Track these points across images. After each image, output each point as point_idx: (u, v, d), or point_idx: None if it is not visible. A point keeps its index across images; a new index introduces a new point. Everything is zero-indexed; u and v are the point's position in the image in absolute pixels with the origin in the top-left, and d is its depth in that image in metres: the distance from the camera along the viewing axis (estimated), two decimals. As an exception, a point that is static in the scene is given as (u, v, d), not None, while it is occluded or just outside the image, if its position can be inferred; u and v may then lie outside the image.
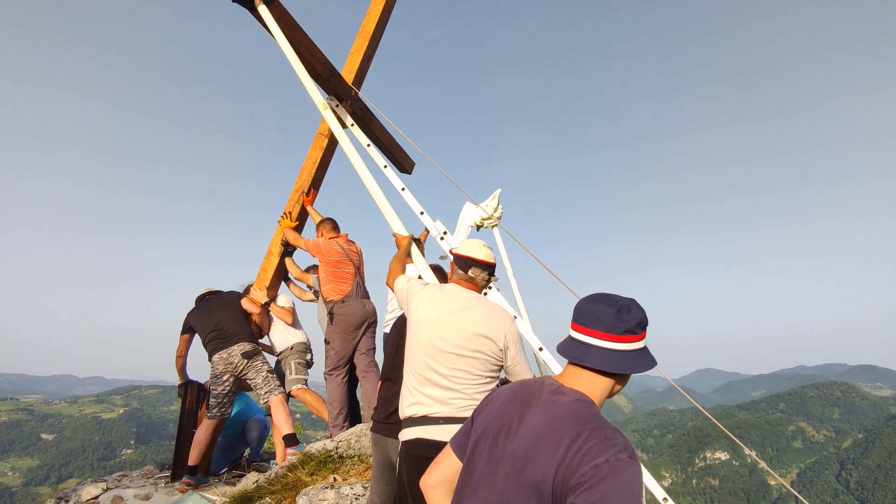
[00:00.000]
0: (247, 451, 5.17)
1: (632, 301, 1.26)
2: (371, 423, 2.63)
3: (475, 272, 2.31)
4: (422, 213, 3.93)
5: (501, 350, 2.12)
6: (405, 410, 2.14)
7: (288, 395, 4.61)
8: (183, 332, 4.63)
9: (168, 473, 4.65)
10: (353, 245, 4.71)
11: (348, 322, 4.33)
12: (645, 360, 1.25)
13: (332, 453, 3.57)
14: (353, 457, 3.53)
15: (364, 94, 5.04)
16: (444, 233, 3.78)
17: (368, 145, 4.45)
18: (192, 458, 4.27)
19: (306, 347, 4.87)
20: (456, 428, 1.62)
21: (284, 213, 4.81)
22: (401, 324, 2.62)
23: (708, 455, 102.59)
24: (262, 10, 4.05)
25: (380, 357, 4.55)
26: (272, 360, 4.90)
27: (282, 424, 4.27)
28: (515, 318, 3.33)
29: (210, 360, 4.35)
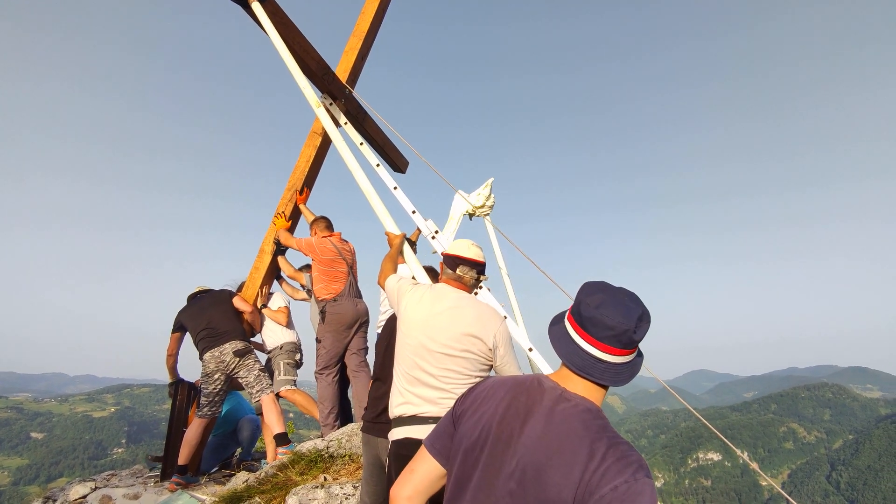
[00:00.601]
0: (238, 451, 5.14)
1: (644, 309, 1.18)
2: (361, 423, 2.62)
3: (463, 271, 2.30)
4: (414, 211, 3.92)
5: (491, 350, 2.12)
6: (395, 410, 2.13)
7: (277, 396, 4.58)
8: (174, 331, 4.60)
9: (157, 471, 4.62)
10: (346, 244, 4.69)
11: (340, 321, 4.31)
12: (639, 365, 1.22)
13: (322, 453, 3.55)
14: (344, 456, 3.51)
15: (358, 93, 5.03)
16: (436, 231, 3.78)
17: (361, 144, 4.43)
18: (182, 458, 4.23)
19: (296, 347, 4.84)
20: None
21: (278, 213, 4.78)
22: (391, 324, 2.62)
23: (700, 456, 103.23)
24: (256, 7, 4.03)
25: (370, 357, 4.54)
26: (263, 357, 4.88)
27: (273, 424, 4.24)
28: (505, 317, 3.32)
29: (201, 358, 4.32)
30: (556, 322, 1.30)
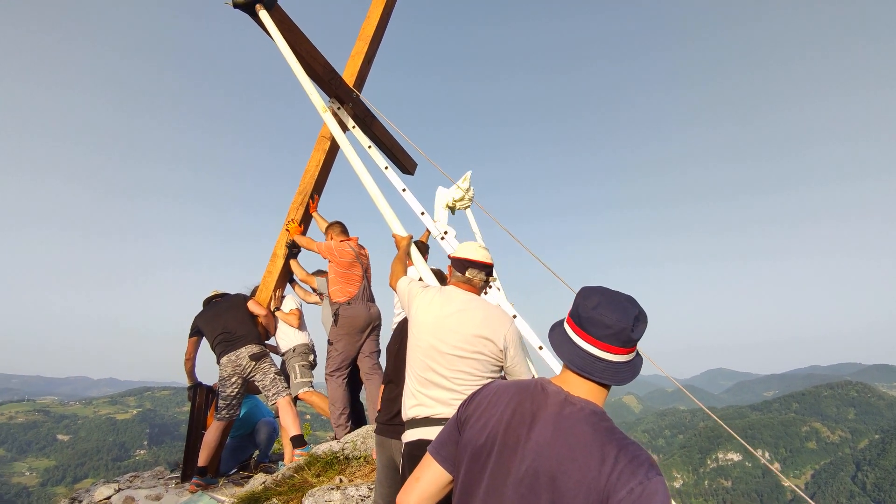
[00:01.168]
0: (256, 453, 5.22)
1: (640, 310, 1.21)
2: (375, 425, 2.66)
3: (472, 273, 2.33)
4: (422, 213, 3.95)
5: (501, 351, 2.14)
6: (408, 412, 2.16)
7: (295, 399, 4.65)
8: (191, 335, 4.68)
9: (178, 473, 4.71)
10: (363, 249, 4.77)
11: (353, 324, 4.36)
12: (640, 365, 1.24)
13: (338, 455, 3.59)
14: (359, 458, 3.55)
15: (365, 97, 5.08)
16: (445, 232, 3.80)
17: (370, 147, 4.48)
18: (202, 459, 4.32)
19: (309, 349, 4.91)
20: None
21: (291, 219, 4.85)
22: (402, 327, 2.65)
23: (720, 456, 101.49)
24: (263, 14, 4.08)
25: (381, 360, 4.58)
26: (279, 360, 4.95)
27: (289, 426, 4.31)
28: (515, 317, 3.32)
29: (218, 362, 4.40)
30: (556, 327, 1.32)
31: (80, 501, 4.38)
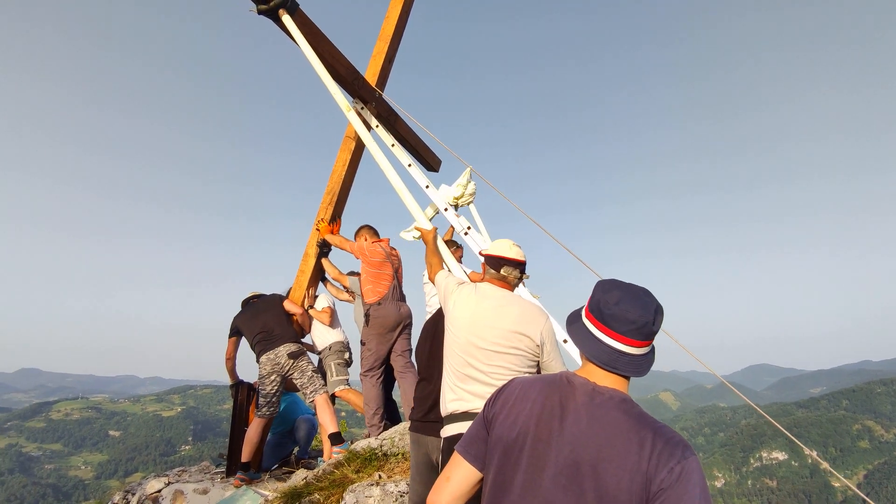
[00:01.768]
0: (296, 449, 5.35)
1: (658, 302, 1.25)
2: (409, 423, 2.68)
3: (507, 271, 2.37)
4: (446, 209, 3.97)
5: (538, 346, 2.19)
6: (447, 406, 2.20)
7: (333, 397, 4.74)
8: (231, 335, 4.82)
9: (223, 468, 4.88)
10: (394, 250, 4.82)
11: (383, 324, 4.40)
12: (654, 356, 1.28)
13: (376, 451, 3.64)
14: (397, 454, 3.59)
15: (388, 95, 5.14)
16: (469, 227, 3.81)
17: (393, 145, 4.52)
18: (245, 455, 4.45)
19: (344, 346, 5.00)
20: None
21: (320, 219, 4.94)
22: (432, 326, 2.70)
23: (764, 455, 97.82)
24: (286, 19, 4.16)
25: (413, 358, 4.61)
26: (315, 358, 5.06)
27: (326, 423, 4.39)
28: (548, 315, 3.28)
29: (258, 360, 4.53)
30: (574, 321, 1.34)
31: (133, 494, 4.59)
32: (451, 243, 5.01)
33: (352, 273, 5.09)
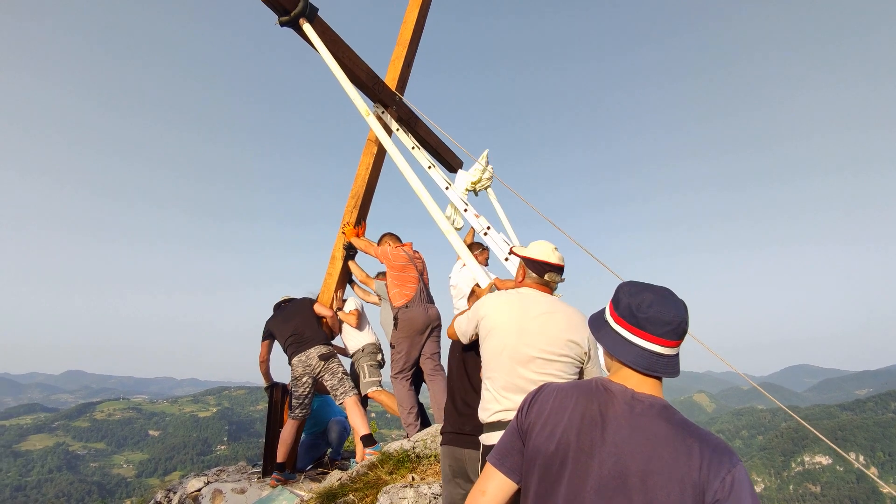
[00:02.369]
0: (329, 450, 5.46)
1: (683, 301, 1.25)
2: (441, 437, 2.61)
3: (551, 276, 2.33)
4: (465, 210, 3.99)
5: (586, 353, 2.17)
6: (491, 416, 2.15)
7: (365, 398, 4.82)
8: (264, 339, 4.97)
9: (259, 468, 5.02)
10: (417, 253, 4.88)
11: (412, 327, 4.43)
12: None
13: (409, 453, 3.68)
14: (430, 456, 3.63)
15: (408, 99, 5.23)
16: (488, 227, 3.82)
17: (413, 148, 4.59)
18: (280, 455, 4.57)
19: (377, 348, 5.07)
20: None
21: (346, 222, 5.04)
22: (459, 343, 2.61)
23: (806, 459, 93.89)
24: (307, 28, 4.26)
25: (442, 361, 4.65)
26: (346, 361, 5.16)
27: (358, 425, 4.46)
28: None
29: (290, 363, 4.65)
30: (601, 327, 1.31)
31: (175, 493, 4.77)
32: (474, 245, 5.01)
33: (379, 275, 5.17)
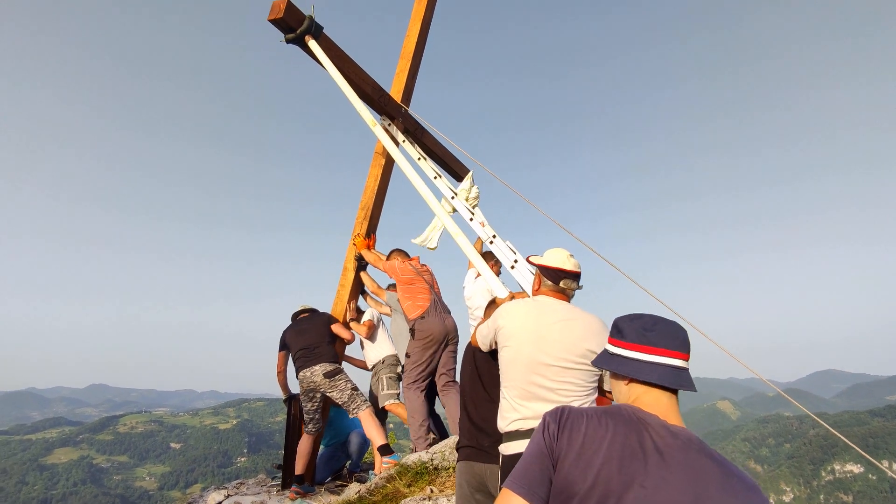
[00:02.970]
0: (348, 462, 5.45)
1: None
2: (457, 452, 2.55)
3: (567, 284, 2.33)
4: (471, 219, 4.02)
5: None
6: (510, 425, 2.13)
7: (384, 410, 4.80)
8: (280, 349, 4.98)
9: (278, 481, 5.03)
10: (425, 267, 4.90)
11: (429, 335, 4.42)
12: None
13: (427, 465, 3.66)
14: (448, 468, 3.60)
15: (413, 110, 5.33)
16: (494, 236, 3.83)
17: (419, 158, 4.65)
18: (298, 468, 4.57)
19: (396, 360, 5.07)
20: None
21: (356, 234, 5.09)
22: (470, 355, 2.62)
23: (837, 467, 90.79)
24: (312, 44, 4.34)
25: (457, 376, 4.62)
26: (363, 375, 5.15)
27: (374, 437, 4.44)
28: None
29: (297, 376, 4.65)
30: (610, 361, 1.32)
31: (195, 505, 4.81)
32: (488, 256, 5.02)
33: (390, 287, 5.18)
